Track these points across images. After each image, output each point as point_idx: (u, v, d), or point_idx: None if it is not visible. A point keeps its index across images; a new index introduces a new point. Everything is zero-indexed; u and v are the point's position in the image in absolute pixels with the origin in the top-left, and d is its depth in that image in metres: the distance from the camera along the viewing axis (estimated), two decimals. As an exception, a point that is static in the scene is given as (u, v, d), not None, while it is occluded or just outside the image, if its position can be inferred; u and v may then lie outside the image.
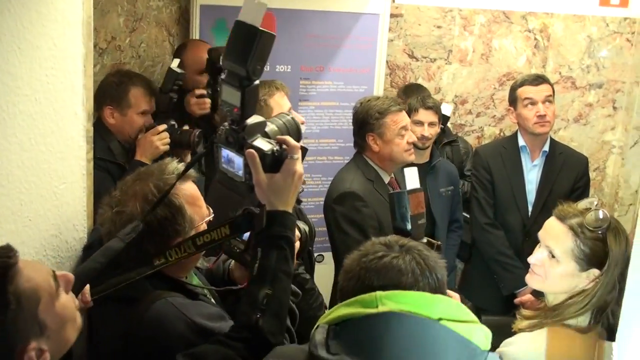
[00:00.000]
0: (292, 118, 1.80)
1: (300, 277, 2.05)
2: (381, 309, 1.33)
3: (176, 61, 3.19)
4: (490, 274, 3.71)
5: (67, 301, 1.42)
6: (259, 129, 1.67)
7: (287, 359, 1.45)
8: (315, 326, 1.40)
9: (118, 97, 2.98)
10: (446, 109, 4.09)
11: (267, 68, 4.10)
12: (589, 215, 2.05)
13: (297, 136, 1.79)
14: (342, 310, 1.38)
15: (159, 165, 1.89)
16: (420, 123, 3.73)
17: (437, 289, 1.43)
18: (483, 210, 3.71)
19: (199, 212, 1.85)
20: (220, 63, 1.69)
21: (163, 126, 3.00)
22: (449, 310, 1.36)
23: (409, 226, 2.42)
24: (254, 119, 1.64)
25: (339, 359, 1.29)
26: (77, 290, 1.52)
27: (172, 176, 1.82)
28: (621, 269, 2.00)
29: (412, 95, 3.96)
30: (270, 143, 1.66)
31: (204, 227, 1.84)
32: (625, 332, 1.58)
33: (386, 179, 3.25)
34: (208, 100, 3.29)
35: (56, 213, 2.08)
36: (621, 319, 1.75)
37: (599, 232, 2.02)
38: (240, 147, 1.63)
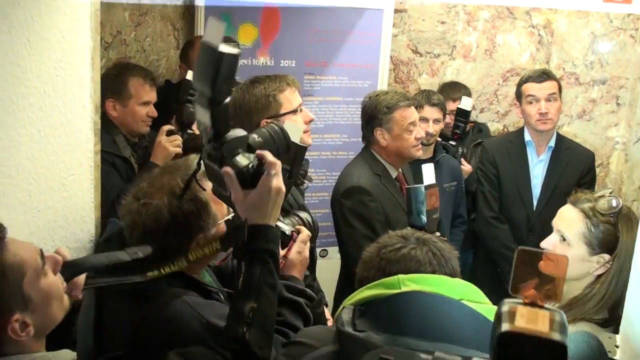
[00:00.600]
0: (281, 128, 1.81)
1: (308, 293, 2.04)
2: (404, 289, 1.39)
3: (191, 73, 3.22)
4: (495, 267, 3.72)
5: (54, 280, 1.47)
6: (240, 143, 1.64)
7: (316, 337, 1.48)
8: (341, 307, 1.45)
9: (118, 88, 3.00)
10: (466, 103, 3.98)
11: (271, 63, 4.16)
12: (602, 200, 2.08)
13: (285, 145, 1.80)
14: (366, 292, 1.43)
15: (185, 160, 1.89)
16: (426, 120, 3.74)
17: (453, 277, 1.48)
18: (488, 204, 3.73)
19: (221, 210, 1.85)
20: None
21: (167, 127, 3.03)
22: (468, 292, 1.41)
23: (424, 220, 2.46)
24: (233, 134, 1.62)
25: (366, 336, 1.33)
26: (68, 276, 1.54)
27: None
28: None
29: (444, 92, 3.98)
30: (249, 159, 1.63)
31: (223, 227, 1.84)
32: (628, 325, 1.59)
33: (394, 174, 3.26)
34: None
35: (64, 204, 2.10)
36: (625, 311, 1.76)
37: (610, 216, 2.04)
38: (221, 163, 1.62)
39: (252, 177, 1.61)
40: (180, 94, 3.13)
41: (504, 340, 0.97)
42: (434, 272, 1.47)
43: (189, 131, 3.13)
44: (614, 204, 2.06)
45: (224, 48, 1.47)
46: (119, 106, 3.01)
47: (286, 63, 4.15)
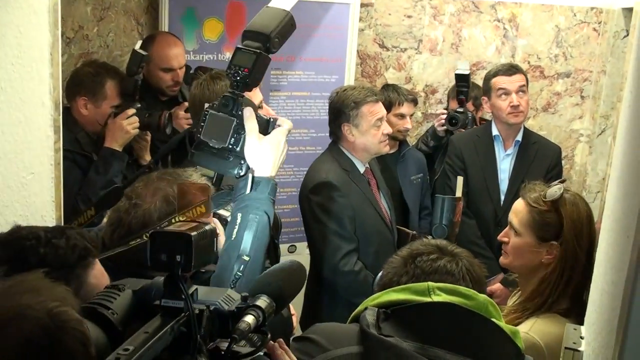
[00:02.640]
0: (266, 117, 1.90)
1: None
2: (435, 299, 1.37)
3: (139, 42, 3.15)
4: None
5: None
6: (252, 105, 1.82)
7: (329, 338, 1.46)
8: (363, 307, 1.44)
9: (94, 88, 2.95)
10: (463, 67, 3.92)
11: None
12: (547, 189, 2.14)
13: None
14: (393, 295, 1.42)
15: (183, 170, 1.90)
16: (403, 116, 3.78)
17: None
18: (454, 198, 3.75)
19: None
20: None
21: (132, 110, 2.97)
22: (495, 311, 1.42)
23: (447, 231, 2.47)
24: (248, 99, 1.82)
25: (395, 341, 1.32)
26: None
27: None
28: (586, 245, 2.05)
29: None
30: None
31: None
32: (593, 315, 1.61)
33: (362, 169, 3.26)
34: None
35: (24, 204, 2.05)
36: (589, 301, 1.78)
37: (552, 203, 2.10)
38: (234, 110, 1.75)
39: (267, 126, 1.79)
40: (128, 67, 3.06)
41: None
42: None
43: (138, 106, 3.07)
44: (555, 191, 2.11)
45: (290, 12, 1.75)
46: (91, 106, 2.96)
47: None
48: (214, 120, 1.76)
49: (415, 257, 1.51)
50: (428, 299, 1.38)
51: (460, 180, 2.50)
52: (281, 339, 1.61)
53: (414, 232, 3.52)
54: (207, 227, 1.20)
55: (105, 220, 1.95)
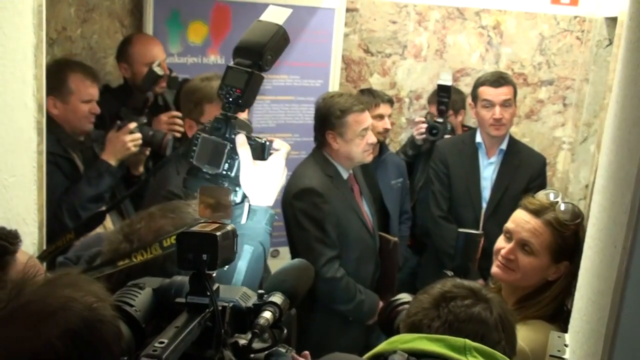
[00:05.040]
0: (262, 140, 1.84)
1: None
2: (470, 359, 1.33)
3: (157, 62, 3.15)
4: (443, 266, 3.75)
5: None
6: (247, 128, 1.74)
7: None
8: (391, 347, 1.40)
9: (57, 84, 2.87)
10: (445, 78, 3.96)
11: (222, 61, 4.09)
12: (564, 209, 2.09)
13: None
14: (426, 344, 1.37)
15: (187, 205, 1.76)
16: (381, 116, 3.79)
17: (512, 349, 1.46)
18: (438, 203, 3.76)
19: None
20: None
21: (133, 124, 2.94)
22: None
23: (470, 268, 2.34)
24: (241, 120, 1.73)
25: None
26: None
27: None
28: None
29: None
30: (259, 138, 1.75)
31: None
32: (577, 323, 1.61)
33: (345, 176, 3.26)
34: (180, 122, 3.23)
35: (5, 207, 2.03)
36: (574, 309, 1.78)
37: (574, 224, 2.07)
38: (227, 134, 1.69)
39: (262, 150, 1.72)
40: (143, 83, 3.04)
41: None
42: (499, 341, 1.42)
43: (144, 121, 3.05)
44: (576, 210, 2.09)
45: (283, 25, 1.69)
46: (60, 103, 2.89)
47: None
48: (206, 144, 1.69)
49: (448, 301, 1.45)
50: (463, 358, 1.34)
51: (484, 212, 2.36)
52: (307, 352, 1.63)
53: (396, 239, 3.53)
54: (229, 228, 1.25)
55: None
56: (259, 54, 1.65)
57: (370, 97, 3.83)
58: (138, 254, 1.68)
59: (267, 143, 1.75)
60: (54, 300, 1.08)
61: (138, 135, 2.94)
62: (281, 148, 1.77)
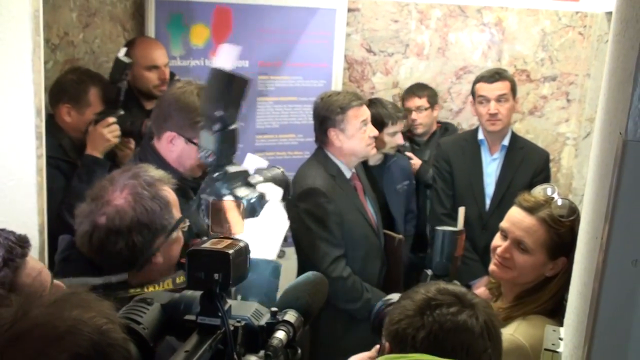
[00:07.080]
0: (282, 172, 1.83)
1: None
2: None
3: (123, 50, 3.14)
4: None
5: None
6: (241, 177, 1.73)
7: None
8: None
9: (77, 95, 2.94)
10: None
11: (224, 63, 4.10)
12: (559, 206, 2.09)
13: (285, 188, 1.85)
14: None
15: (143, 166, 1.88)
16: (395, 133, 3.79)
17: (499, 356, 1.44)
18: (440, 200, 3.77)
19: (178, 216, 1.84)
20: None
21: (112, 119, 2.97)
22: None
23: (449, 267, 2.32)
24: (234, 168, 1.70)
25: None
26: None
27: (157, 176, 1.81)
28: None
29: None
30: (250, 190, 1.71)
31: (180, 235, 1.83)
32: (571, 316, 1.62)
33: (348, 175, 3.28)
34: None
35: (5, 210, 2.05)
36: (568, 303, 1.79)
37: (570, 221, 2.07)
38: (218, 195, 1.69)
39: (253, 208, 1.67)
40: (112, 74, 3.05)
41: None
42: (485, 349, 1.39)
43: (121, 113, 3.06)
44: (571, 206, 2.09)
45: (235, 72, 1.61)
46: (75, 113, 2.95)
47: (239, 63, 4.11)
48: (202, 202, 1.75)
49: (433, 308, 1.41)
50: None
51: (461, 211, 2.35)
52: None
53: (401, 236, 3.54)
54: (241, 244, 1.20)
55: None
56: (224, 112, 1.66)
57: (385, 111, 3.75)
58: (151, 286, 1.70)
59: (255, 200, 1.72)
60: (61, 322, 1.03)
61: (115, 126, 2.98)
62: (274, 195, 1.74)
